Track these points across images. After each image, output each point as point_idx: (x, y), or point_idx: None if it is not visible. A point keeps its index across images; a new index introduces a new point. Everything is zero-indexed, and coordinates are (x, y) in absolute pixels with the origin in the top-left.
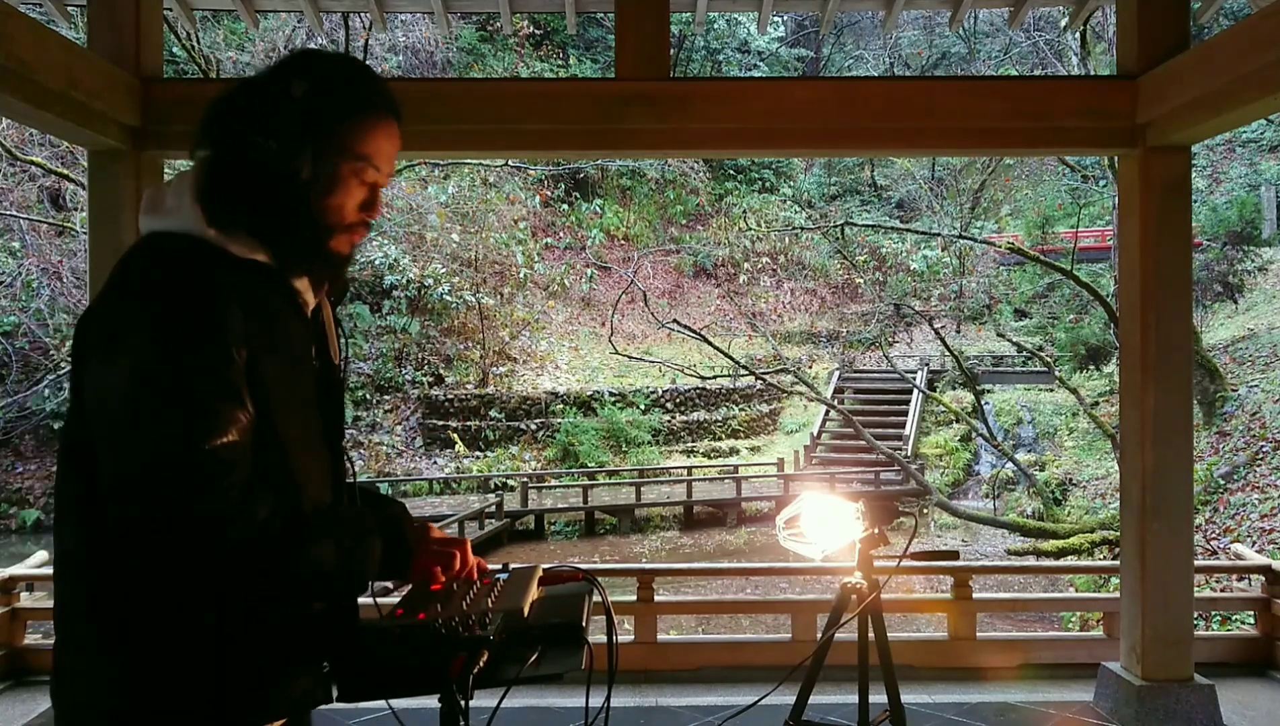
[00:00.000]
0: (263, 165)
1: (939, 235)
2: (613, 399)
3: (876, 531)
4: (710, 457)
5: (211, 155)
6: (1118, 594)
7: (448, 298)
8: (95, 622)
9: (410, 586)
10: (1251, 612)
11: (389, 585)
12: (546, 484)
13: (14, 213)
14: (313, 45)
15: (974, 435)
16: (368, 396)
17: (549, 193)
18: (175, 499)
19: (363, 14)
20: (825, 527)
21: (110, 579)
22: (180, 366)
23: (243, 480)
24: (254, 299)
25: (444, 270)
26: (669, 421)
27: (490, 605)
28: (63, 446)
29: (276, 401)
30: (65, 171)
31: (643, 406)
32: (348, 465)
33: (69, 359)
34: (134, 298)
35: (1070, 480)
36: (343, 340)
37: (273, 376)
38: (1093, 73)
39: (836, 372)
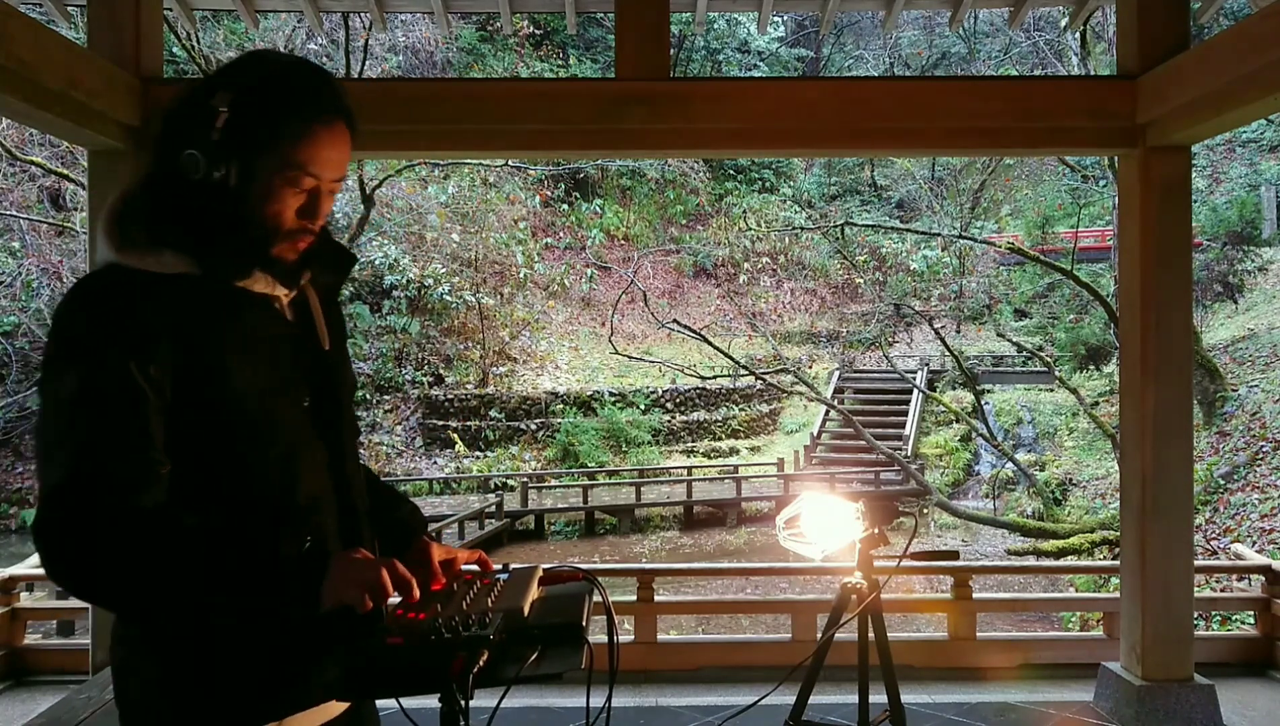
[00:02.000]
0: (187, 178)
1: (939, 235)
2: (613, 399)
3: (876, 531)
4: (710, 457)
5: (149, 170)
6: (1118, 594)
7: (448, 298)
8: (126, 630)
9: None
10: (1251, 612)
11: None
12: (546, 484)
13: (14, 213)
14: (311, 45)
15: (974, 435)
16: (368, 396)
17: (549, 193)
18: (94, 512)
19: (363, 14)
20: (825, 527)
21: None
22: (87, 389)
23: (158, 494)
24: (181, 312)
25: (444, 270)
26: (669, 421)
27: (490, 605)
28: None
29: (241, 395)
30: (65, 171)
31: (643, 406)
32: (360, 451)
33: None
34: (55, 332)
35: (1070, 480)
36: (341, 330)
37: (227, 372)
38: (1093, 73)
39: (836, 372)
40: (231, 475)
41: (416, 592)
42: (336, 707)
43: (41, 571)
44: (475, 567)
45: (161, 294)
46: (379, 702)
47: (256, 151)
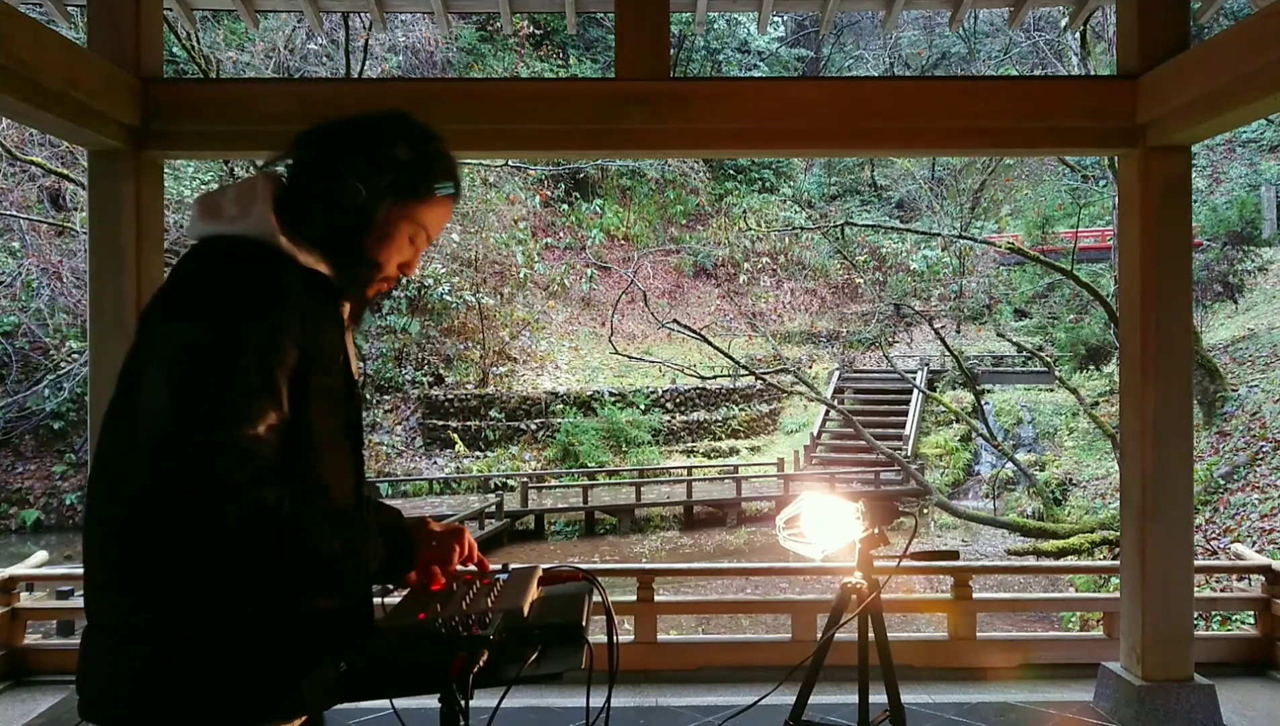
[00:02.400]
0: (347, 203)
1: (939, 235)
2: (613, 399)
3: (876, 531)
4: (710, 457)
5: (300, 169)
6: (1118, 594)
7: (448, 298)
8: (117, 607)
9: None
10: (1251, 612)
11: (389, 586)
12: (546, 484)
13: (14, 213)
14: (311, 46)
15: (974, 435)
16: (368, 396)
17: (549, 193)
18: (196, 472)
19: (363, 14)
20: (825, 527)
21: (134, 562)
22: (225, 355)
23: (258, 469)
24: (313, 305)
25: (444, 270)
26: (669, 421)
27: (490, 605)
28: (107, 438)
29: (317, 400)
30: (65, 171)
31: (643, 406)
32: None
33: (70, 358)
34: (198, 291)
35: (1070, 480)
36: (362, 362)
37: (316, 378)
38: (1093, 73)
39: (836, 372)
40: (294, 465)
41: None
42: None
43: (41, 571)
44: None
45: (309, 287)
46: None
47: (403, 204)
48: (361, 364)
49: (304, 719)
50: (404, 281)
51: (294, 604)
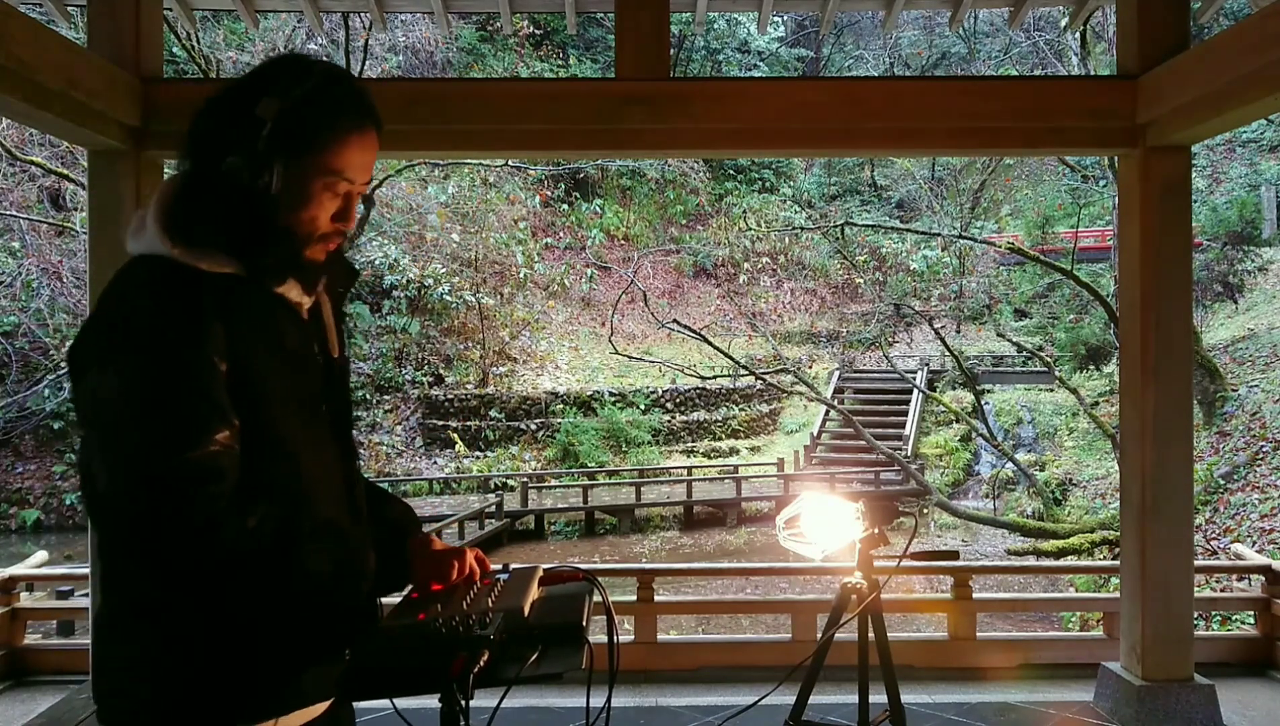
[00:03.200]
0: (230, 182)
1: (939, 235)
2: (613, 399)
3: (876, 531)
4: (710, 457)
5: (185, 170)
6: (1118, 594)
7: (448, 298)
8: (123, 612)
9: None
10: (1251, 612)
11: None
12: (546, 484)
13: (14, 213)
14: (311, 46)
15: (974, 435)
16: (368, 396)
17: (549, 193)
18: (162, 509)
19: (363, 14)
20: (825, 527)
21: (119, 574)
22: (159, 379)
23: (229, 488)
24: (233, 309)
25: (444, 270)
26: (669, 421)
27: (490, 605)
28: (78, 455)
29: (274, 402)
30: (65, 171)
31: (643, 406)
32: (358, 461)
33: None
34: (115, 318)
35: (1070, 480)
36: (346, 337)
37: (264, 379)
38: (1093, 73)
39: (836, 372)
40: (260, 474)
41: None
42: (318, 708)
43: (41, 571)
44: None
45: (215, 290)
46: (379, 702)
47: (298, 160)
48: (344, 346)
49: (327, 705)
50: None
51: (285, 613)
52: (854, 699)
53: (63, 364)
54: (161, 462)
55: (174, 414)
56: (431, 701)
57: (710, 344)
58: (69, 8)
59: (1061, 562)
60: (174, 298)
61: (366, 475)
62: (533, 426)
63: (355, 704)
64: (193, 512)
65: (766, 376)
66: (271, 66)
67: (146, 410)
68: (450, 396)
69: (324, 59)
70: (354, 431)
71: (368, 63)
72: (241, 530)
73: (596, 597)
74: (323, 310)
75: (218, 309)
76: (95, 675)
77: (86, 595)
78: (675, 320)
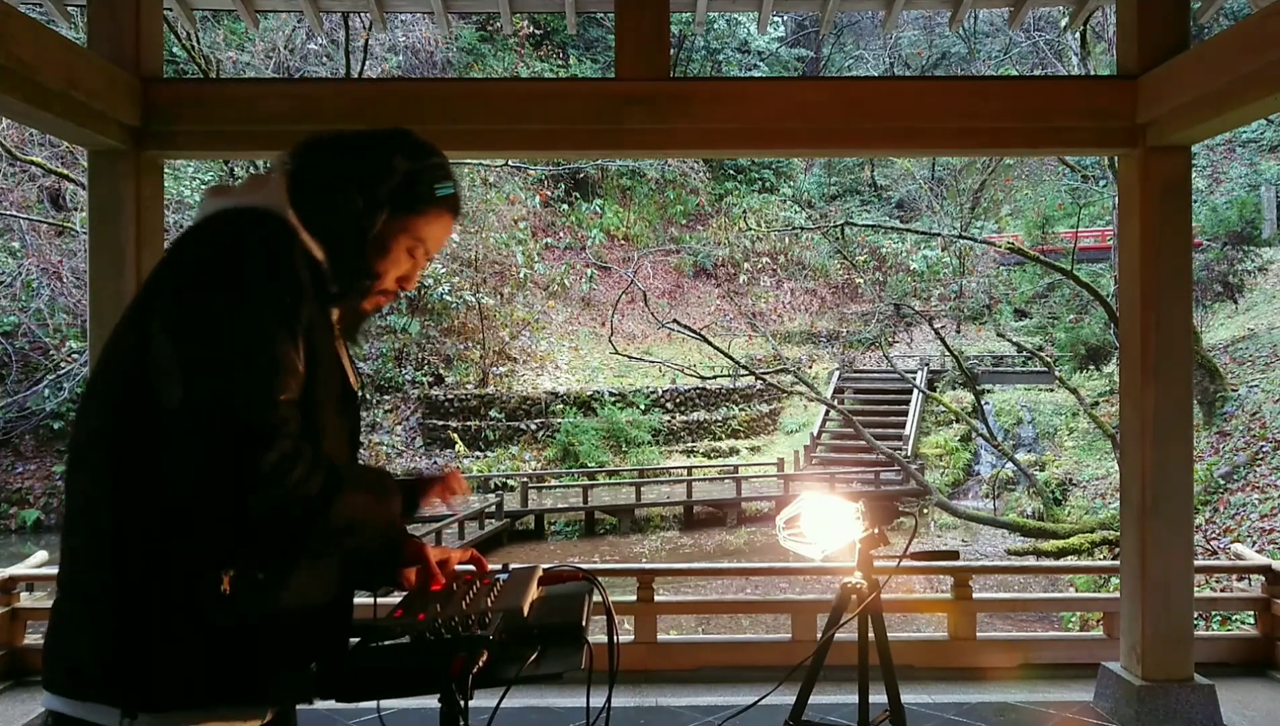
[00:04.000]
0: (348, 203)
1: (939, 235)
2: (613, 399)
3: (876, 531)
4: (710, 457)
5: (304, 168)
6: (1118, 594)
7: (448, 298)
8: (102, 574)
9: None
10: (1251, 612)
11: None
12: (546, 484)
13: (14, 213)
14: (311, 46)
15: (974, 435)
16: (368, 396)
17: (549, 193)
18: (244, 440)
19: (363, 14)
20: (825, 527)
21: (127, 530)
22: (266, 318)
23: (296, 433)
24: (315, 285)
25: (444, 270)
26: (669, 421)
27: (490, 605)
28: (99, 384)
29: (319, 390)
30: (65, 171)
31: (643, 406)
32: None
33: (71, 358)
34: (227, 249)
35: (1070, 480)
36: (360, 373)
37: (317, 366)
38: (1093, 73)
39: (836, 372)
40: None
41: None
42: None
43: (41, 571)
44: (471, 567)
45: (314, 265)
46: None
47: (399, 217)
48: (359, 377)
49: (269, 716)
50: (402, 292)
51: (287, 595)
52: (854, 699)
53: (63, 363)
54: (258, 404)
55: (273, 355)
56: (431, 701)
57: (710, 344)
58: (69, 8)
59: (1061, 562)
60: (290, 240)
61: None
62: (533, 426)
63: (356, 704)
64: (269, 453)
65: (766, 376)
66: (407, 134)
67: (252, 345)
68: (450, 396)
69: (312, 58)
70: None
71: (368, 63)
72: (302, 480)
73: (596, 597)
74: (339, 345)
75: (309, 272)
76: (50, 634)
77: None
78: (675, 320)
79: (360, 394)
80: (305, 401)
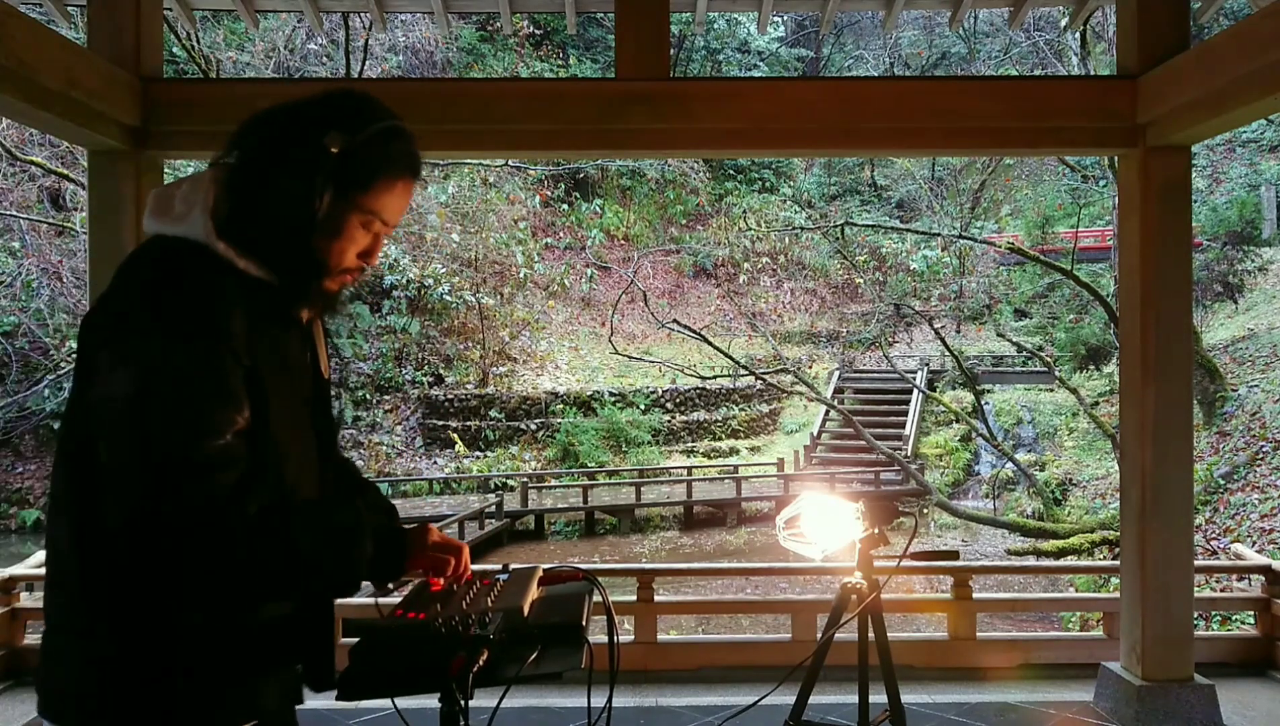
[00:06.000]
0: (282, 198)
1: (939, 235)
2: (613, 399)
3: (876, 531)
4: (710, 457)
5: (234, 171)
6: (1118, 594)
7: (448, 298)
8: (78, 610)
9: (410, 586)
10: (1251, 612)
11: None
12: (546, 484)
13: (14, 213)
14: (311, 46)
15: (974, 435)
16: (368, 396)
17: (549, 193)
18: (169, 494)
19: (363, 14)
20: (825, 528)
21: (95, 569)
22: (183, 367)
23: (235, 479)
24: (258, 312)
25: (444, 270)
26: (669, 421)
27: (490, 604)
28: (61, 439)
29: (275, 411)
30: (65, 171)
31: (643, 406)
32: (357, 467)
33: (70, 358)
34: (142, 299)
35: (1070, 480)
36: (333, 359)
37: (273, 387)
38: (1093, 73)
39: (836, 372)
40: (257, 474)
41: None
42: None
43: (41, 572)
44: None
45: (247, 288)
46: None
47: (346, 195)
48: (333, 359)
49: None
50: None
51: (254, 610)
52: (854, 699)
53: (64, 363)
54: (180, 447)
55: (193, 404)
56: (431, 701)
57: (710, 344)
58: (69, 8)
59: (1061, 562)
60: (212, 287)
61: (366, 475)
62: (533, 426)
63: (356, 703)
64: (200, 500)
65: (766, 376)
66: (343, 99)
67: (168, 398)
68: (450, 396)
69: (312, 58)
70: (351, 432)
71: (368, 63)
72: (243, 516)
73: (596, 597)
74: (315, 328)
75: (246, 307)
76: (48, 672)
77: None
78: (675, 320)
79: (331, 379)
80: (255, 434)
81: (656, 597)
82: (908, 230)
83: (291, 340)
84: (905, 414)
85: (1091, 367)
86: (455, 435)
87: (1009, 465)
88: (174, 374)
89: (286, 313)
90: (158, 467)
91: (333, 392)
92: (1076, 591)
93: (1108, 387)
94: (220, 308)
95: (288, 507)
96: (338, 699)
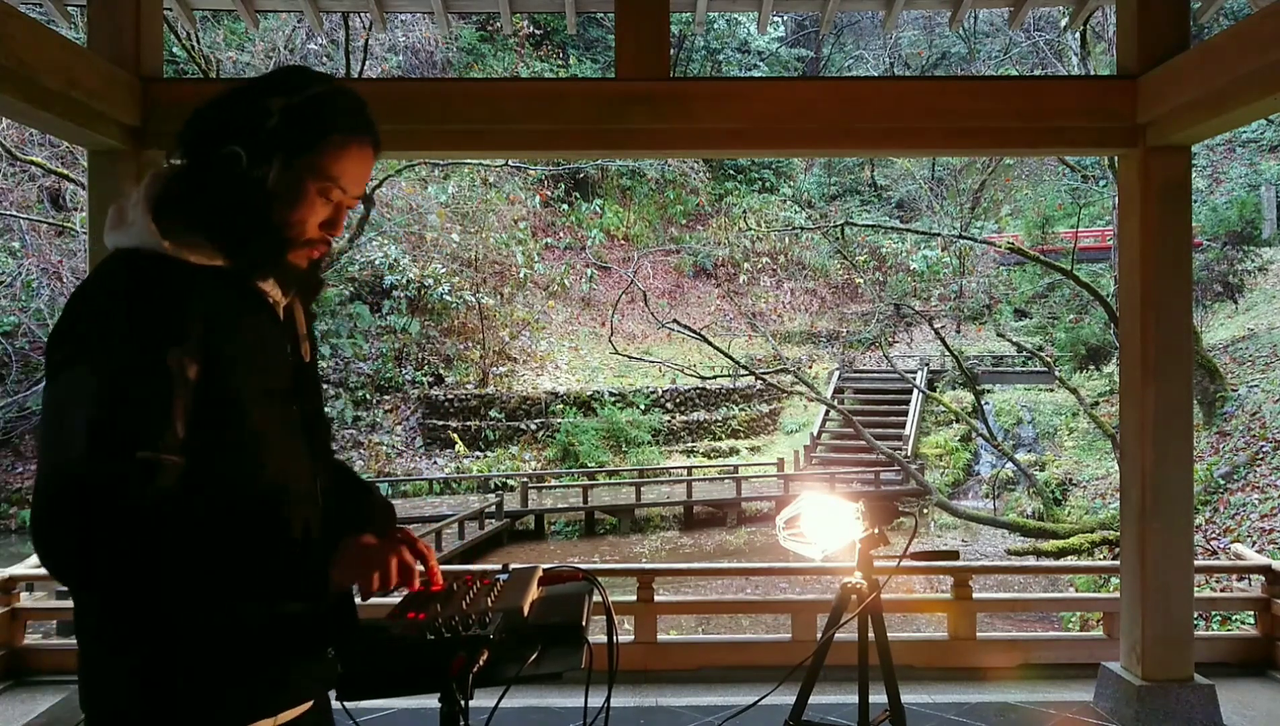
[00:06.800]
0: (228, 172)
1: (939, 235)
2: (613, 399)
3: (876, 531)
4: (710, 457)
5: (183, 161)
6: (1118, 594)
7: (448, 298)
8: (101, 625)
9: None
10: (1251, 612)
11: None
12: (546, 484)
13: (14, 213)
14: (311, 45)
15: (974, 435)
16: (368, 396)
17: (549, 193)
18: (99, 499)
19: (363, 14)
20: (825, 527)
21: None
22: (120, 382)
23: (158, 490)
24: (216, 305)
25: (444, 270)
26: (669, 421)
27: (490, 605)
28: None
29: (248, 397)
30: (65, 171)
31: (643, 406)
32: (351, 461)
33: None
34: (84, 314)
35: (1070, 480)
36: (334, 359)
37: (241, 374)
38: (1093, 73)
39: (836, 372)
40: (235, 467)
41: (417, 582)
42: (300, 708)
43: (42, 571)
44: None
45: (197, 284)
46: (379, 702)
47: (297, 158)
48: (334, 365)
49: (308, 705)
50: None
51: (261, 605)
52: (854, 699)
53: None
54: (102, 461)
55: (127, 416)
56: (431, 701)
57: (710, 344)
58: (69, 8)
59: (1061, 562)
60: (155, 298)
61: (366, 476)
62: (533, 426)
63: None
64: (114, 506)
65: (766, 376)
66: (281, 71)
67: (101, 408)
68: (450, 396)
69: (312, 58)
70: (351, 432)
71: (368, 63)
72: (181, 517)
73: (596, 597)
74: (295, 314)
75: (199, 303)
76: (83, 684)
77: None
78: (675, 320)
79: (313, 362)
80: (225, 423)
81: (656, 597)
82: (908, 230)
83: (263, 324)
84: (905, 414)
85: (1091, 368)
86: (455, 435)
87: (1009, 465)
88: (106, 391)
89: (252, 294)
90: (78, 480)
91: (333, 393)
92: (1076, 591)
93: (1108, 388)
94: (161, 319)
95: (264, 505)
96: (338, 699)
